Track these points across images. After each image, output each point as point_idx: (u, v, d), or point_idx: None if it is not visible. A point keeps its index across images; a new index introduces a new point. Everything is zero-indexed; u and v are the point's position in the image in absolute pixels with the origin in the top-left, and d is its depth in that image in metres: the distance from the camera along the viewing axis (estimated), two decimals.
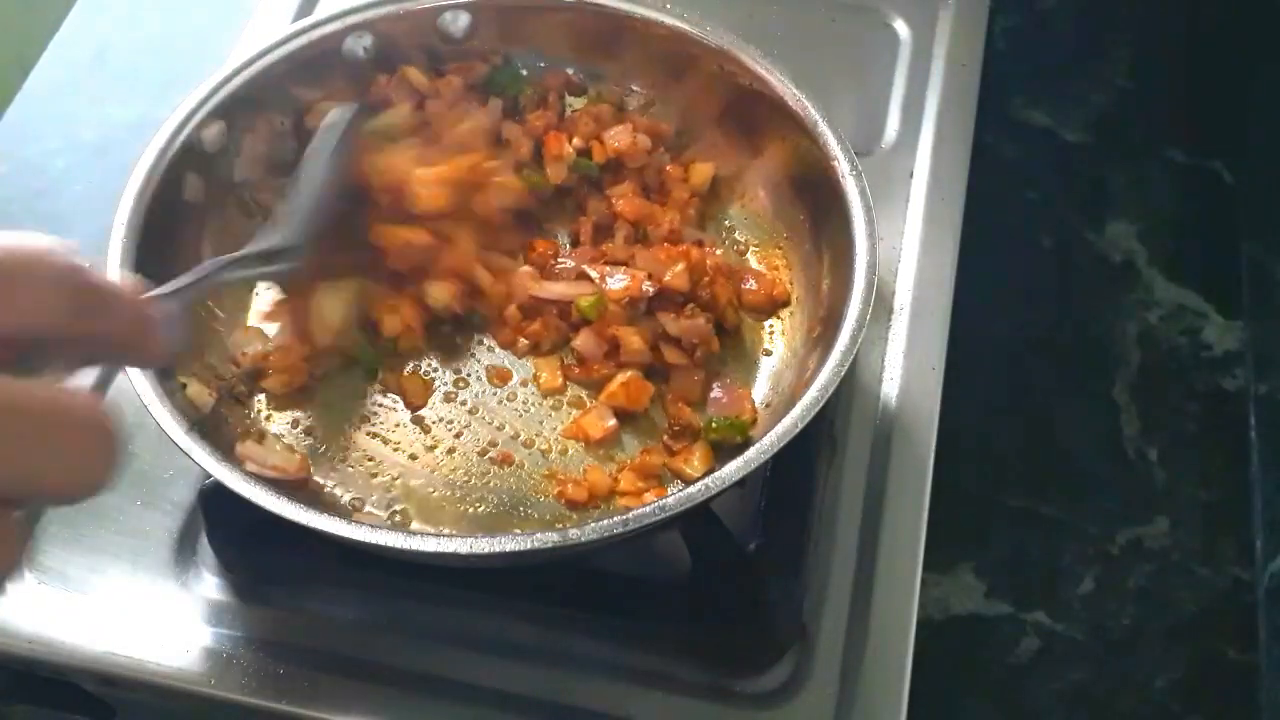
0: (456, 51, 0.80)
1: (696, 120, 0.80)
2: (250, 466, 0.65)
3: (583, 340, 0.73)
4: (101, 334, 0.38)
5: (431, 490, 0.69)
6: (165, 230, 0.70)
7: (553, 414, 0.72)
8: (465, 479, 0.70)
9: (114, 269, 0.65)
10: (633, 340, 0.72)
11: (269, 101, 0.76)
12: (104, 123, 0.92)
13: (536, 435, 0.72)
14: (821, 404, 0.60)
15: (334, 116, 0.73)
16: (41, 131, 0.92)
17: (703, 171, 0.79)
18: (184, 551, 0.70)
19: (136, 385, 0.61)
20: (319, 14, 0.79)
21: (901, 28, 0.92)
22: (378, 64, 0.79)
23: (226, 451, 0.65)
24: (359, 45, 0.78)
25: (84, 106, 0.93)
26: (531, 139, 0.80)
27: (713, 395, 0.72)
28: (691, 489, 0.58)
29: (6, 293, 0.35)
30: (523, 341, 0.75)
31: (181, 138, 0.71)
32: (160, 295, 0.52)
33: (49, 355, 0.37)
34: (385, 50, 0.79)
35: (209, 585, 0.69)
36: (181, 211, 0.72)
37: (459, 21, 0.80)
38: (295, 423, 0.72)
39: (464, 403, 0.73)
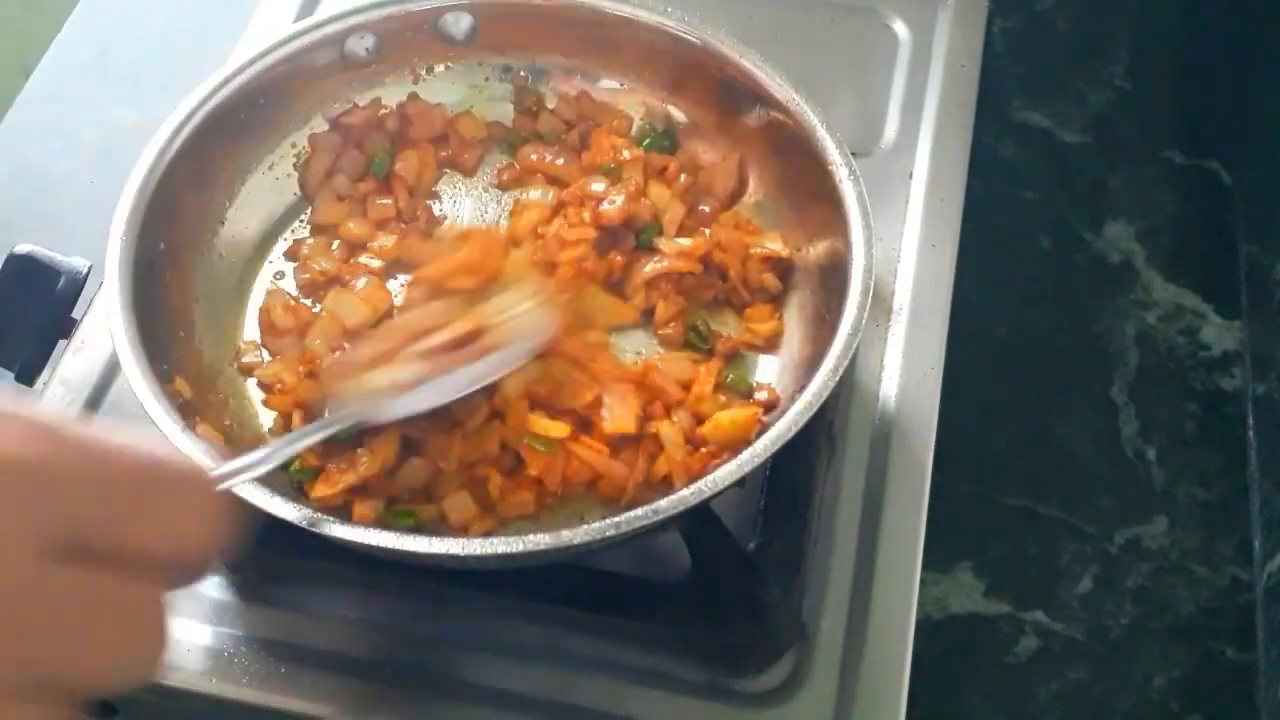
0: (458, 54, 0.81)
1: (695, 120, 0.80)
2: None
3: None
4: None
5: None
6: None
7: None
8: None
9: (113, 270, 0.66)
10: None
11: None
12: (105, 124, 0.92)
13: None
14: (820, 404, 0.61)
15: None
16: (43, 133, 0.93)
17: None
18: None
19: (133, 384, 0.61)
20: (320, 14, 0.79)
21: (901, 28, 0.92)
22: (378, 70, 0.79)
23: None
24: (361, 46, 0.78)
25: (85, 108, 0.94)
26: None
27: None
28: (686, 491, 0.58)
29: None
30: None
31: (181, 139, 0.71)
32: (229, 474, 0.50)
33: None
34: (387, 51, 0.79)
35: (210, 584, 0.69)
36: None
37: (460, 24, 0.80)
38: None
39: None
